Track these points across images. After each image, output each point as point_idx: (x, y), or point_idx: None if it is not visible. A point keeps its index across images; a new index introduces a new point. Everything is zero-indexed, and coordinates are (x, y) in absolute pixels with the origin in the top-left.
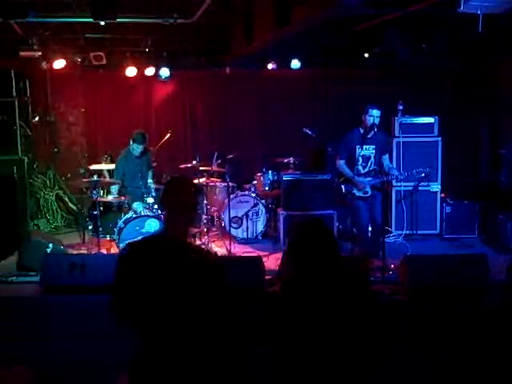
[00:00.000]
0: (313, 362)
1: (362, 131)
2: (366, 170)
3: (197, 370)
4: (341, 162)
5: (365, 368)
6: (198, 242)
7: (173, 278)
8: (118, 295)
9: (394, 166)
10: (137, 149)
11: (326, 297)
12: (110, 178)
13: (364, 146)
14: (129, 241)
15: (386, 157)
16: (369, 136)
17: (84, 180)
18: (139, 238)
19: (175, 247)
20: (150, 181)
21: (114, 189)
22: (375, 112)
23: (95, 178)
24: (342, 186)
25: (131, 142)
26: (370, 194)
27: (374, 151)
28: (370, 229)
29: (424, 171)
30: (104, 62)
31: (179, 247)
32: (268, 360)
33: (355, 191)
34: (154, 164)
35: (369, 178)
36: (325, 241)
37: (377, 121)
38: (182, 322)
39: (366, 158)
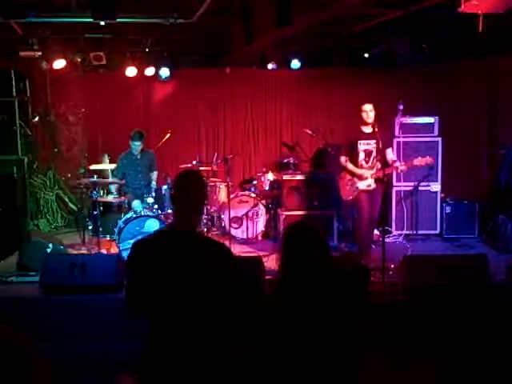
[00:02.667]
0: (304, 358)
1: (362, 128)
2: (369, 164)
3: (207, 363)
4: (343, 158)
5: (354, 361)
6: None
7: (190, 269)
8: (132, 291)
9: None
10: (135, 147)
11: (314, 296)
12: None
13: (365, 142)
14: (129, 240)
15: (389, 150)
16: (369, 131)
17: (84, 181)
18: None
19: (189, 239)
20: (153, 183)
21: (113, 187)
22: (367, 107)
23: (95, 178)
24: (346, 181)
25: (130, 142)
26: (373, 187)
27: (375, 145)
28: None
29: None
30: (104, 62)
31: (193, 239)
32: (262, 357)
33: (358, 184)
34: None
35: (371, 172)
36: (311, 240)
37: (371, 114)
38: (196, 314)
39: (369, 153)
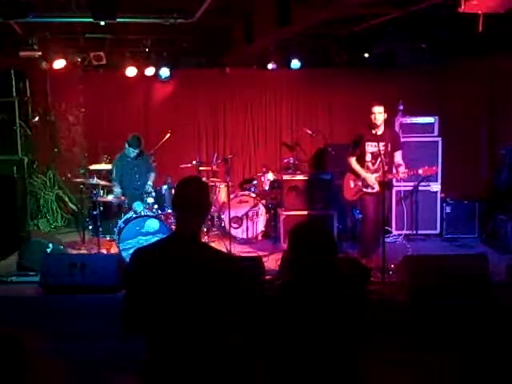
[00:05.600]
0: (308, 361)
1: (369, 129)
2: (376, 166)
3: (209, 373)
4: (351, 159)
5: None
6: None
7: (192, 280)
8: (132, 303)
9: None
10: (132, 152)
11: (320, 298)
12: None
13: (372, 143)
14: (129, 240)
15: (397, 153)
16: (377, 133)
17: (84, 181)
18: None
19: (191, 249)
20: (149, 183)
21: (117, 191)
22: (375, 109)
23: (95, 178)
24: (351, 182)
25: (126, 146)
26: (376, 189)
27: (383, 148)
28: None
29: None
30: (104, 62)
31: (195, 248)
32: (266, 361)
33: (363, 187)
34: (154, 164)
35: (376, 174)
36: (318, 240)
37: (379, 117)
38: (197, 324)
39: (376, 155)
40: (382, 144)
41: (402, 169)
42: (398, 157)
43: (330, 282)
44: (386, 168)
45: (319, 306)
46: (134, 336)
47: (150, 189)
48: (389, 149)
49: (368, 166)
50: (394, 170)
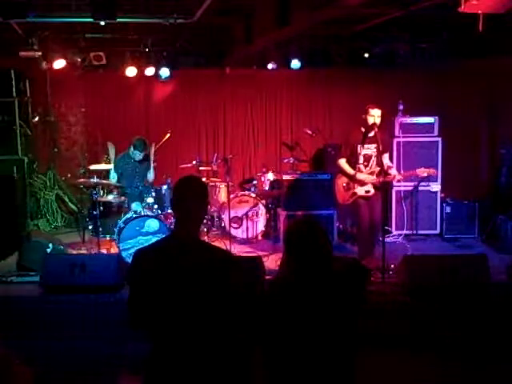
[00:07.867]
0: (304, 360)
1: (363, 130)
2: (368, 169)
3: (211, 370)
4: (342, 161)
5: (351, 364)
6: None
7: (192, 278)
8: (134, 304)
9: (394, 165)
10: (138, 156)
11: (317, 297)
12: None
13: (365, 146)
14: (129, 240)
15: (386, 155)
16: (370, 135)
17: (84, 180)
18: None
19: (190, 248)
20: (150, 176)
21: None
22: (375, 111)
23: (95, 178)
24: (343, 185)
25: (132, 149)
26: (371, 193)
27: (375, 150)
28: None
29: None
30: (104, 61)
31: (195, 248)
32: (263, 360)
33: (357, 189)
34: (154, 164)
35: (371, 178)
36: (314, 238)
37: (377, 120)
38: (199, 321)
39: (368, 157)
40: (374, 146)
41: (393, 171)
42: (386, 159)
43: (327, 281)
44: (378, 170)
45: (317, 305)
46: (140, 333)
47: (152, 179)
48: (380, 150)
49: (360, 169)
50: (395, 172)
